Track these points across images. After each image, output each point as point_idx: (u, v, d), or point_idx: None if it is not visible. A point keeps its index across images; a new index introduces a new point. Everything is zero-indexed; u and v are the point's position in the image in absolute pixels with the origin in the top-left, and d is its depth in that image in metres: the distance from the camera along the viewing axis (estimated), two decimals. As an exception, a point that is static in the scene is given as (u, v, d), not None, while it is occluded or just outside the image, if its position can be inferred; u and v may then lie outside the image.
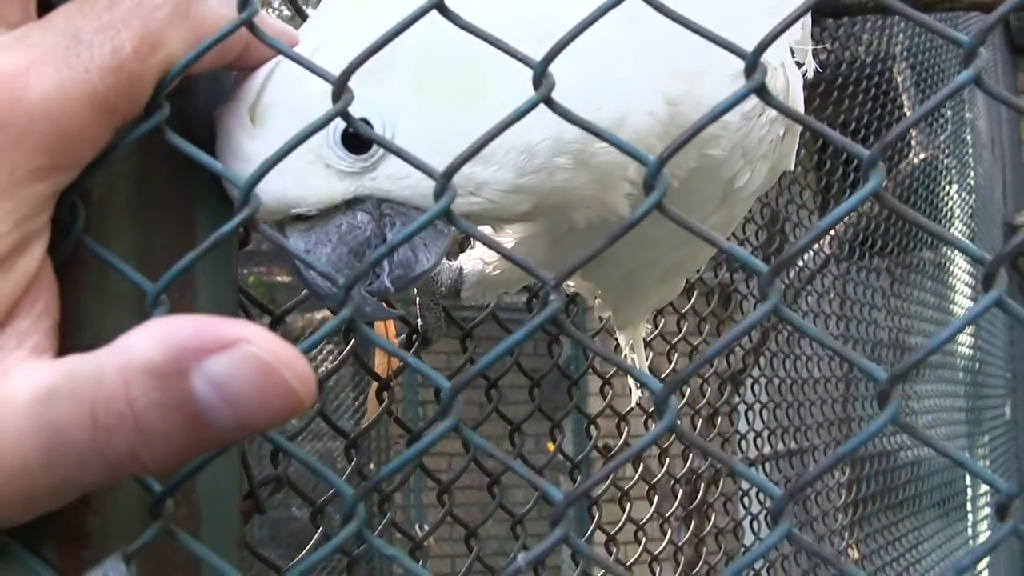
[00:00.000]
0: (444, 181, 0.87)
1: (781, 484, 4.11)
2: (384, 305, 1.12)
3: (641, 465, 2.81)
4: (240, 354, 0.81)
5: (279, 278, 9.00)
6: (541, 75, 0.86)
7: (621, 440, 2.61)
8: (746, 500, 3.84)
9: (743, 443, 3.73)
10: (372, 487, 0.95)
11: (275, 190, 1.01)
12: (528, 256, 1.25)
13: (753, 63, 0.84)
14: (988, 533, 8.06)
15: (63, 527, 0.95)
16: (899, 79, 6.54)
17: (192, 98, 1.05)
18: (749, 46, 0.99)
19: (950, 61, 7.72)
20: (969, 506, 8.29)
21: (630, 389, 2.23)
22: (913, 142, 6.62)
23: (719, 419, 3.32)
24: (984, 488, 8.37)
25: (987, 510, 8.41)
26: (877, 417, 0.83)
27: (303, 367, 0.83)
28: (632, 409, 2.52)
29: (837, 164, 5.46)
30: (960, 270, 8.06)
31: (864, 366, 0.84)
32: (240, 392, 0.81)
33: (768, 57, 1.20)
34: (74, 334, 0.96)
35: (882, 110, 5.95)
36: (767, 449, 3.90)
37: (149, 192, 1.02)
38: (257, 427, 0.84)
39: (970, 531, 8.11)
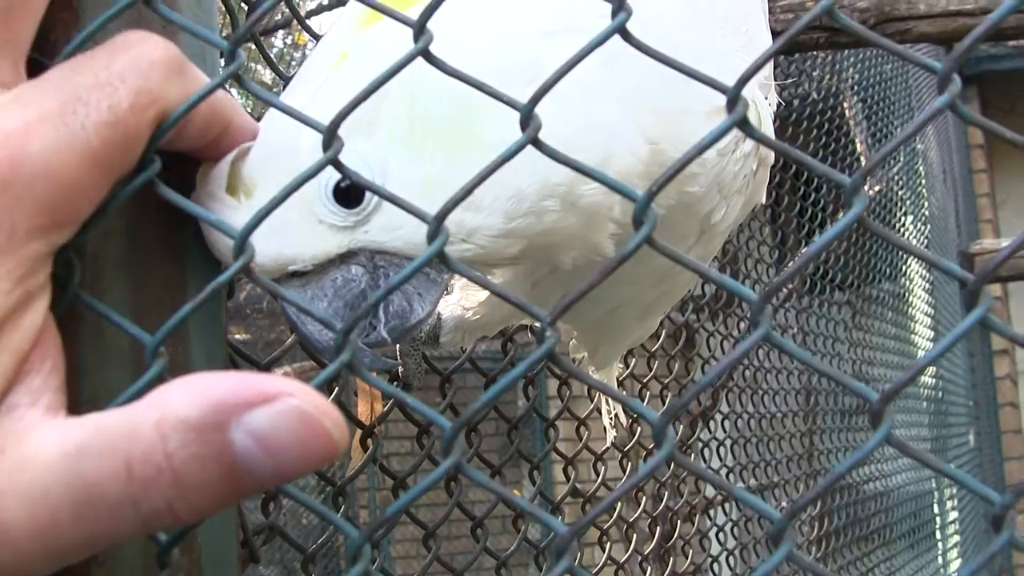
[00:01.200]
0: (436, 224, 0.88)
1: (745, 523, 4.12)
2: (381, 356, 1.13)
3: (618, 507, 2.81)
4: (283, 407, 0.83)
5: (237, 335, 9.00)
6: (528, 117, 0.88)
7: (599, 480, 2.63)
8: (705, 543, 3.84)
9: (700, 483, 3.75)
10: (379, 525, 0.96)
11: (271, 250, 1.03)
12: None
13: (735, 97, 0.86)
14: (959, 561, 8.10)
15: None
16: (849, 113, 6.59)
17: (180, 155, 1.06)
18: (727, 82, 1.02)
19: (899, 94, 7.80)
20: (938, 535, 8.32)
21: (605, 429, 2.25)
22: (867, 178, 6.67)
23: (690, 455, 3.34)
24: (952, 516, 8.40)
25: (956, 538, 8.44)
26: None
27: (339, 416, 0.85)
28: (608, 449, 2.54)
29: (794, 200, 5.50)
30: (919, 300, 8.12)
31: (857, 388, 0.86)
32: (283, 443, 0.83)
33: (743, 92, 1.23)
34: (73, 387, 0.95)
35: (835, 144, 5.99)
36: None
37: (141, 247, 1.03)
38: (294, 475, 0.85)
39: (940, 560, 8.14)
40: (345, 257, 1.07)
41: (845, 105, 6.44)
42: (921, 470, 7.66)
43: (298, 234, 1.04)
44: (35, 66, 0.96)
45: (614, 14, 0.88)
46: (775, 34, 1.83)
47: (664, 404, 3.07)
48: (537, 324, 0.92)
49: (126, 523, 0.84)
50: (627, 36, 0.88)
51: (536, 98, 0.88)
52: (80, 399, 0.97)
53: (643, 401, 3.04)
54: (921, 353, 8.08)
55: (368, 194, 1.03)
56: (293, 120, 0.95)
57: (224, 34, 1.16)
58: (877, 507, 6.36)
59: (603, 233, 1.16)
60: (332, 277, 1.07)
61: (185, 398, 0.84)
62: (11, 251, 0.86)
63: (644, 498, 2.96)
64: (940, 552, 8.19)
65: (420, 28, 0.90)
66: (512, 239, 1.08)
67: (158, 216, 1.02)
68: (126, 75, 0.91)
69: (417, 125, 1.05)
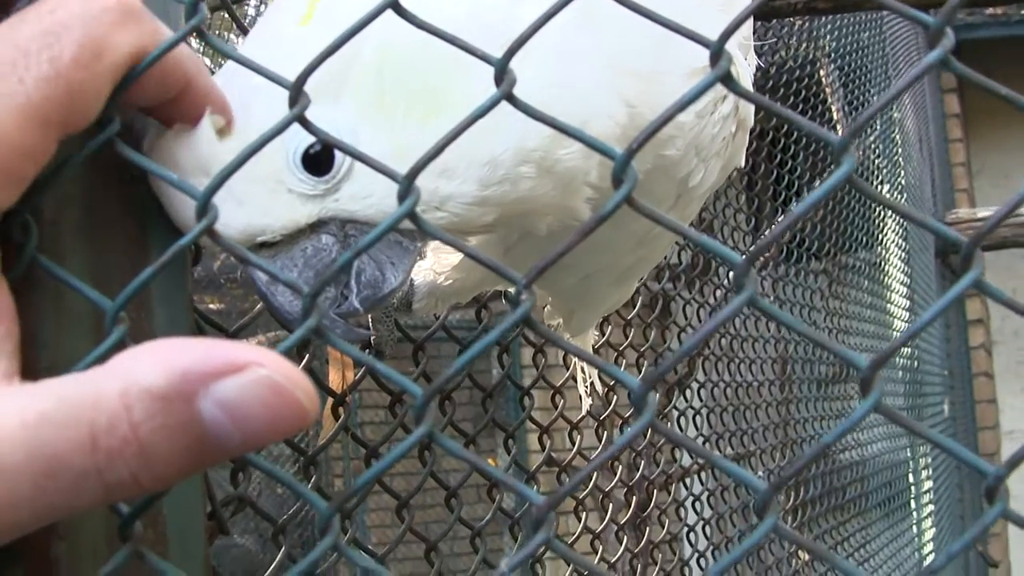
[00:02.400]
0: (407, 183, 0.85)
1: (721, 492, 4.11)
2: (355, 327, 1.10)
3: (594, 476, 2.79)
4: (253, 376, 0.80)
5: (211, 305, 8.96)
6: (502, 71, 0.85)
7: (575, 449, 2.61)
8: (682, 511, 3.83)
9: (676, 452, 3.75)
10: (348, 497, 0.93)
11: (238, 221, 1.00)
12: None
13: (718, 51, 0.83)
14: (933, 530, 8.13)
15: (30, 553, 0.94)
16: (826, 81, 6.58)
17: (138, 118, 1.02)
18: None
19: (876, 62, 7.79)
20: (913, 504, 8.34)
21: (580, 398, 2.22)
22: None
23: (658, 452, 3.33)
24: (927, 485, 8.42)
25: (931, 507, 8.47)
26: (859, 404, 0.82)
27: (309, 385, 0.83)
28: (583, 418, 2.52)
29: (770, 167, 5.49)
30: (895, 269, 8.12)
31: (845, 354, 0.83)
32: (252, 413, 0.80)
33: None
34: (31, 356, 0.93)
35: (812, 112, 5.98)
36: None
37: (101, 210, 0.99)
38: (263, 444, 0.83)
39: (915, 529, 8.16)
40: (315, 227, 1.04)
41: (822, 73, 6.43)
42: (897, 439, 7.69)
43: (266, 204, 1.01)
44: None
45: (592, -34, 0.85)
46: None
47: (640, 373, 3.04)
48: (512, 289, 0.90)
49: (88, 493, 0.81)
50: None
51: (511, 51, 0.85)
52: (39, 367, 0.94)
53: (623, 366, 3.03)
54: (897, 322, 8.09)
55: (338, 161, 1.00)
56: (256, 78, 0.92)
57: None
58: (853, 476, 6.37)
59: (579, 198, 1.13)
60: (302, 247, 1.04)
61: (151, 366, 0.80)
62: None
63: (620, 467, 2.94)
64: (915, 521, 8.21)
65: (390, -21, 0.87)
66: (487, 207, 1.06)
67: (118, 177, 0.99)
68: (72, 22, 0.86)
69: (387, 90, 1.02)
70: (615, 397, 2.77)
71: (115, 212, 1.00)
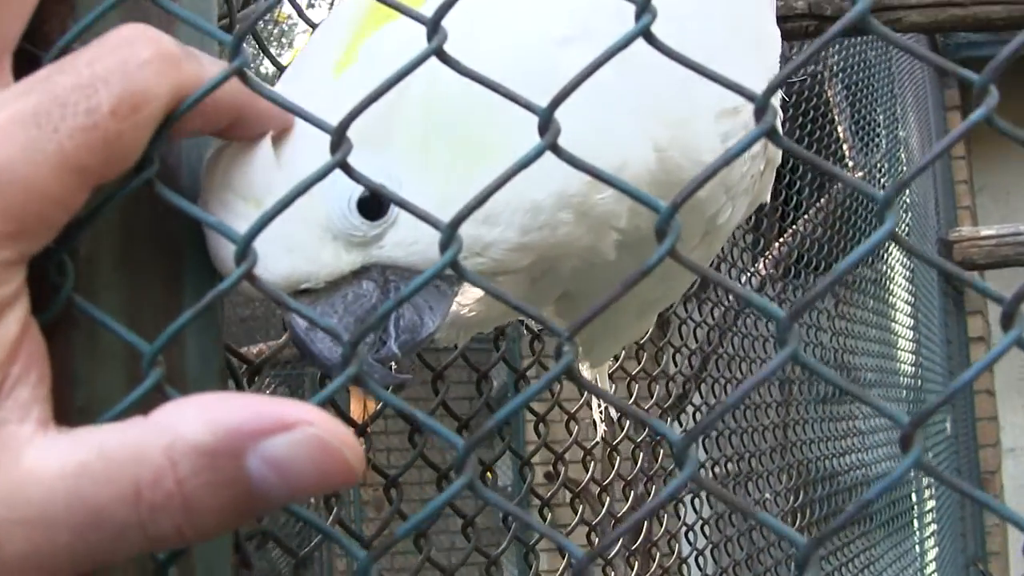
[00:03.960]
0: (450, 232, 0.85)
1: (727, 515, 4.10)
2: (391, 371, 1.10)
3: (593, 464, 2.78)
4: (302, 436, 0.81)
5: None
6: (547, 121, 0.85)
7: (588, 476, 2.60)
8: (691, 535, 3.83)
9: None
10: (386, 549, 0.93)
11: (283, 267, 1.00)
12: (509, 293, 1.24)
13: (763, 105, 0.83)
14: (936, 549, 8.14)
15: None
16: (833, 99, 6.59)
17: (175, 148, 1.02)
18: (740, 80, 0.99)
19: (882, 80, 7.80)
20: (916, 523, 8.35)
21: (594, 423, 2.22)
22: (849, 162, 6.68)
23: (660, 450, 3.31)
24: (930, 504, 8.43)
25: (933, 526, 8.48)
26: (901, 460, 0.82)
27: (355, 443, 0.84)
28: (580, 408, 2.53)
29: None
30: (899, 288, 8.14)
31: (885, 410, 0.83)
32: (300, 470, 0.81)
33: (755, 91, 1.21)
34: (66, 394, 0.92)
35: (820, 132, 5.99)
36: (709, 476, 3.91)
37: (136, 246, 0.99)
38: (307, 498, 0.84)
39: (917, 548, 8.17)
40: (357, 273, 1.04)
41: (828, 92, 6.44)
42: (899, 459, 7.67)
43: (313, 252, 1.01)
44: (29, 58, 0.92)
45: (638, 16, 0.85)
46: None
47: (633, 394, 3.03)
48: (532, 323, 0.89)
49: (130, 544, 0.81)
50: (651, 39, 0.85)
51: (556, 101, 0.85)
52: (73, 407, 0.94)
53: (613, 389, 3.02)
54: (902, 341, 8.10)
55: (386, 205, 1.00)
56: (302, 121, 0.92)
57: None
58: (856, 496, 6.37)
59: (608, 241, 1.13)
60: (343, 293, 1.04)
61: (198, 423, 0.81)
62: None
63: (618, 459, 2.92)
64: (917, 541, 8.22)
65: (434, 26, 0.87)
66: (525, 251, 1.06)
67: (154, 213, 0.98)
68: (110, 77, 0.85)
69: (431, 136, 1.02)
70: (627, 423, 2.78)
71: (150, 248, 1.00)
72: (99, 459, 0.80)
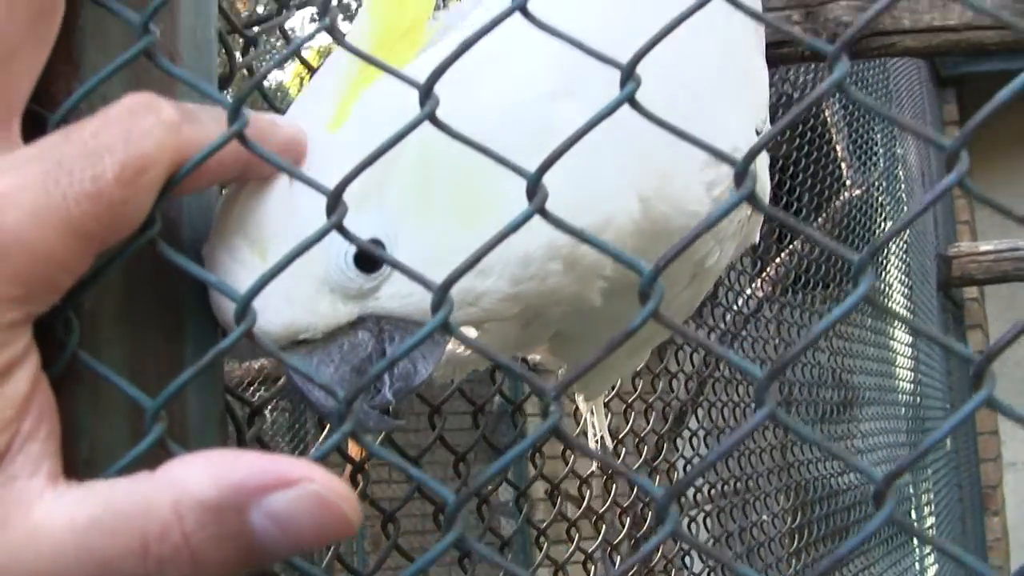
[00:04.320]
0: (442, 294, 0.88)
1: (723, 538, 4.12)
2: (386, 416, 1.13)
3: (588, 495, 2.79)
4: (303, 492, 0.85)
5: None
6: (535, 186, 0.88)
7: (567, 468, 2.61)
8: (693, 526, 3.85)
9: (688, 467, 3.76)
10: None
11: (283, 319, 1.03)
12: (499, 339, 1.26)
13: (743, 171, 0.86)
14: (935, 567, 8.14)
15: None
16: (830, 118, 6.61)
17: (176, 202, 1.05)
18: (727, 133, 1.02)
19: (879, 98, 7.81)
20: (915, 540, 8.35)
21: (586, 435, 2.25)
22: (847, 180, 6.70)
23: (656, 476, 3.33)
24: (930, 521, 8.44)
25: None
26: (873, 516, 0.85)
27: (353, 497, 0.88)
28: (592, 472, 2.55)
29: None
30: (898, 305, 8.14)
31: (861, 467, 0.86)
32: (301, 524, 0.85)
33: (739, 143, 1.24)
34: (71, 448, 0.95)
35: (818, 153, 6.01)
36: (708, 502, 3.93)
37: (138, 301, 1.02)
38: (308, 549, 0.88)
39: (917, 566, 8.18)
40: (353, 323, 1.07)
41: (826, 111, 6.46)
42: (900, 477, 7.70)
43: (312, 304, 1.04)
44: (35, 118, 0.95)
45: (622, 84, 0.88)
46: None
47: (630, 420, 3.05)
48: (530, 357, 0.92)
49: None
50: (636, 106, 0.88)
51: (544, 168, 0.88)
52: (78, 459, 0.97)
53: (609, 417, 3.03)
54: (900, 358, 8.12)
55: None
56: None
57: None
58: (856, 516, 6.39)
59: (594, 289, 1.17)
60: (339, 343, 1.07)
61: (204, 479, 0.85)
62: None
63: (614, 486, 2.94)
64: (917, 558, 8.23)
65: (427, 92, 0.90)
66: (516, 301, 1.09)
67: (155, 267, 1.01)
68: (114, 146, 0.89)
69: (426, 194, 1.05)
70: (623, 449, 2.80)
71: (151, 301, 1.04)
72: (108, 513, 0.84)
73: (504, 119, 1.07)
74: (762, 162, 1.39)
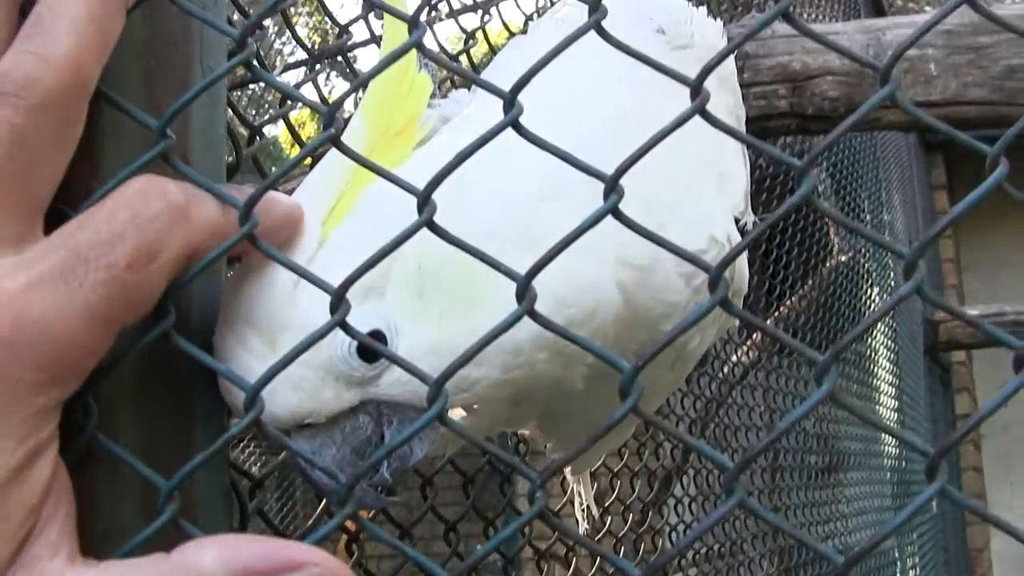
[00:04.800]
0: (437, 388, 0.95)
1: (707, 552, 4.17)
2: (382, 495, 1.20)
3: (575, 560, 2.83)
4: (308, 574, 0.93)
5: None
6: (525, 288, 0.95)
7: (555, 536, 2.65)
8: (682, 562, 3.89)
9: (673, 535, 3.81)
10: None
11: (290, 405, 1.09)
12: (490, 418, 1.33)
13: (717, 278, 0.93)
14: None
15: None
16: (819, 188, 6.67)
17: (187, 292, 1.11)
18: (704, 227, 1.09)
19: (866, 164, 7.90)
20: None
21: (577, 521, 2.31)
22: (835, 246, 6.76)
23: (641, 544, 3.37)
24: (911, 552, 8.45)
25: (916, 558, 8.50)
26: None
27: None
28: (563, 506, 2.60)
29: (763, 278, 5.59)
30: (884, 370, 8.19)
31: (821, 551, 0.92)
32: None
33: (717, 234, 1.31)
34: (87, 524, 1.01)
35: (804, 221, 6.06)
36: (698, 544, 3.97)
37: (151, 388, 1.09)
38: None
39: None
40: (355, 408, 1.14)
41: (816, 179, 6.51)
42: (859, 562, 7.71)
43: (316, 390, 1.11)
44: (57, 214, 1.01)
45: (606, 196, 0.95)
46: (747, 120, 1.91)
47: (616, 489, 3.09)
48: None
49: None
50: (619, 215, 0.95)
51: (532, 273, 0.95)
52: (94, 535, 1.02)
53: (595, 486, 3.07)
54: (886, 421, 8.16)
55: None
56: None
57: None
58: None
59: (577, 374, 1.24)
60: (341, 426, 1.14)
61: (217, 563, 0.92)
62: (15, 409, 0.91)
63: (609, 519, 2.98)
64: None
65: (425, 199, 0.97)
66: (506, 386, 1.17)
67: (167, 354, 1.07)
68: (125, 232, 0.96)
69: (425, 289, 1.12)
70: (608, 519, 2.86)
71: (164, 388, 1.10)
72: None
73: (497, 220, 1.15)
74: (740, 258, 1.46)
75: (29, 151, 0.97)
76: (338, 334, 1.06)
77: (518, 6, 2.90)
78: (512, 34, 2.62)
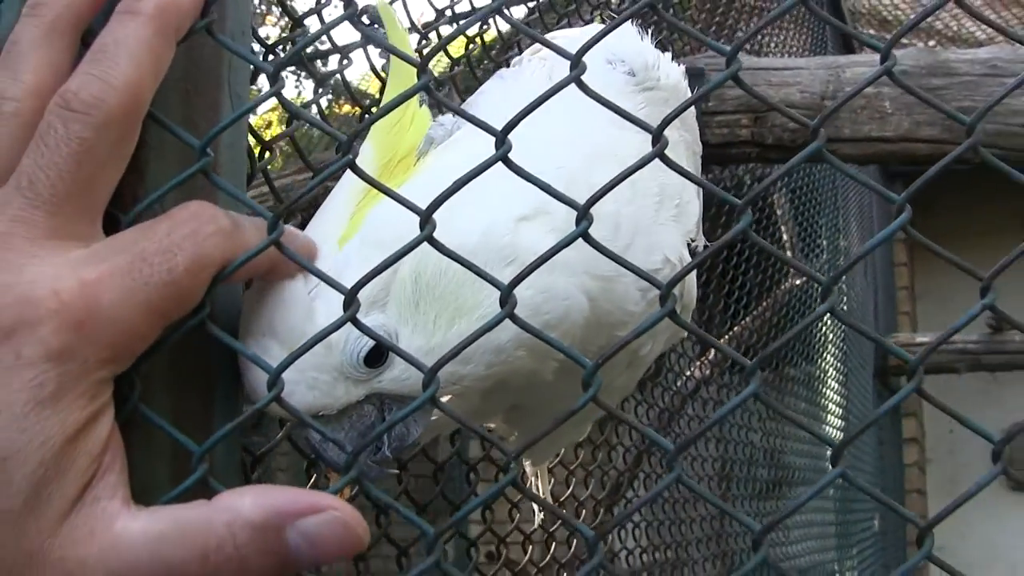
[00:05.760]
0: (431, 375, 1.14)
1: (653, 552, 4.32)
2: (384, 469, 1.38)
3: (531, 547, 2.96)
4: (329, 517, 1.13)
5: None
6: (507, 296, 1.14)
7: (514, 524, 2.81)
8: (630, 559, 4.03)
9: (623, 532, 3.96)
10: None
11: (307, 402, 1.28)
12: (461, 407, 1.51)
13: (666, 294, 1.12)
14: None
15: None
16: (779, 210, 6.84)
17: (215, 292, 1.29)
18: (661, 249, 1.29)
19: (825, 191, 8.06)
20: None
21: (533, 511, 2.48)
22: (791, 271, 6.92)
23: (601, 511, 3.51)
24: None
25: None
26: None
27: (365, 523, 1.15)
28: (536, 528, 2.77)
29: (719, 295, 5.75)
30: (831, 390, 8.35)
31: (741, 520, 1.11)
32: (327, 543, 1.13)
33: (671, 256, 1.51)
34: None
35: (763, 233, 6.19)
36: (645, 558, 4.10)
37: (180, 369, 1.28)
38: (327, 562, 1.15)
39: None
40: (361, 401, 1.32)
41: (774, 202, 6.68)
42: (825, 553, 7.91)
43: (330, 389, 1.30)
44: (108, 217, 1.20)
45: (578, 222, 1.14)
46: (710, 146, 2.10)
47: (571, 487, 3.23)
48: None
49: None
50: (588, 239, 1.14)
51: (514, 283, 1.13)
52: (132, 491, 1.18)
53: (551, 481, 3.18)
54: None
55: (385, 354, 1.29)
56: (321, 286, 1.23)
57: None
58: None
59: (549, 368, 1.43)
60: (349, 415, 1.32)
61: (253, 505, 1.12)
62: (84, 377, 1.10)
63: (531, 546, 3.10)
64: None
65: (427, 218, 1.16)
66: (488, 380, 1.36)
67: (195, 342, 1.25)
68: (185, 245, 1.15)
69: (420, 299, 1.31)
70: (564, 510, 3.01)
71: (190, 369, 1.29)
72: (176, 528, 1.11)
73: (482, 238, 1.33)
74: (690, 276, 1.65)
75: (94, 162, 1.15)
76: (348, 343, 1.26)
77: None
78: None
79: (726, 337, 5.97)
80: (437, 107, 1.52)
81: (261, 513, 1.12)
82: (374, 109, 2.02)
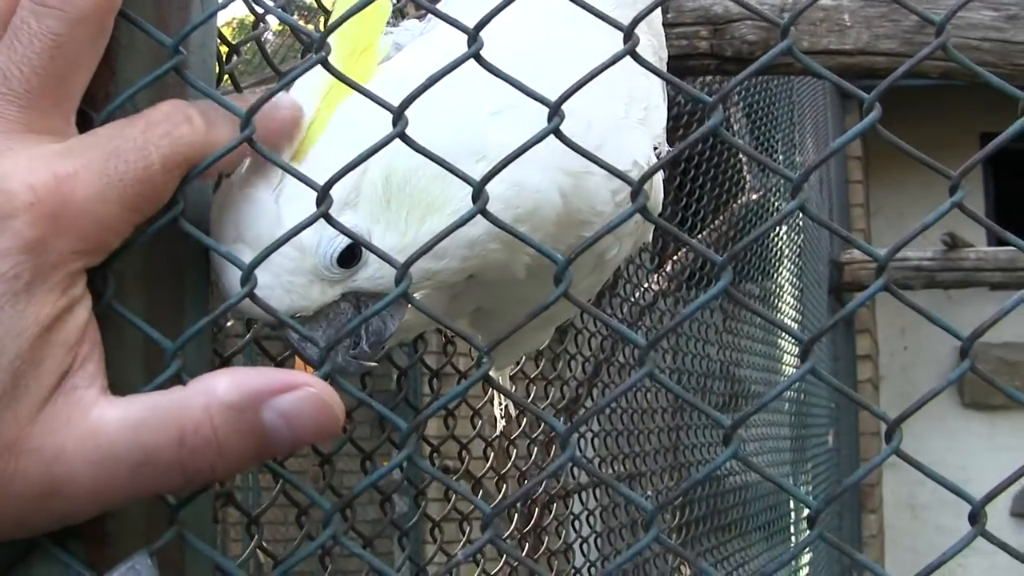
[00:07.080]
0: (404, 270, 1.16)
1: (611, 508, 4.39)
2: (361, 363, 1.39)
3: (481, 490, 2.98)
4: (305, 394, 1.14)
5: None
6: (479, 191, 1.15)
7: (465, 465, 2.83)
8: (576, 524, 4.06)
9: (575, 470, 4.01)
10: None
11: (285, 303, 1.29)
12: (431, 306, 1.52)
13: (638, 189, 1.13)
14: (809, 554, 8.45)
15: (88, 528, 1.19)
16: (734, 124, 6.86)
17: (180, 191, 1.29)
18: (630, 151, 1.30)
19: (781, 107, 8.09)
20: (792, 528, 8.64)
21: (495, 419, 2.50)
22: (747, 184, 6.96)
23: (554, 447, 3.55)
24: (806, 512, 8.71)
25: (807, 532, 8.76)
26: (719, 454, 1.12)
27: (340, 401, 1.16)
28: (496, 437, 2.79)
29: (676, 209, 5.78)
30: (787, 305, 8.41)
31: (714, 416, 1.13)
32: (303, 421, 1.14)
33: (639, 158, 1.52)
34: (100, 376, 1.20)
35: (719, 157, 6.22)
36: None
37: (152, 265, 1.27)
38: (305, 444, 1.17)
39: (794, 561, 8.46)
40: (337, 300, 1.33)
41: (730, 115, 6.70)
42: (781, 467, 8.01)
43: (305, 291, 1.30)
44: (81, 115, 1.20)
45: (550, 118, 1.15)
46: (669, 59, 2.10)
47: (531, 395, 3.20)
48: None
49: (172, 479, 1.14)
50: (560, 135, 1.15)
51: (487, 178, 1.14)
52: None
53: (513, 389, 3.19)
54: (787, 356, 8.42)
55: (358, 254, 1.30)
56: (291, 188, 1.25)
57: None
58: (736, 500, 6.66)
59: (521, 263, 1.44)
60: (326, 314, 1.33)
61: (230, 386, 1.13)
62: (57, 268, 1.11)
63: (505, 484, 3.13)
64: (793, 545, 8.50)
65: (399, 115, 1.16)
66: (461, 274, 1.37)
67: (167, 238, 1.25)
68: (161, 143, 1.16)
69: (392, 197, 1.31)
70: (524, 420, 3.03)
71: (162, 266, 1.29)
72: (153, 413, 1.12)
73: (453, 134, 1.33)
74: (657, 178, 1.66)
75: (67, 57, 1.15)
76: (321, 245, 1.27)
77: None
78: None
79: (682, 252, 5.99)
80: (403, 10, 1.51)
81: (237, 393, 1.13)
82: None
